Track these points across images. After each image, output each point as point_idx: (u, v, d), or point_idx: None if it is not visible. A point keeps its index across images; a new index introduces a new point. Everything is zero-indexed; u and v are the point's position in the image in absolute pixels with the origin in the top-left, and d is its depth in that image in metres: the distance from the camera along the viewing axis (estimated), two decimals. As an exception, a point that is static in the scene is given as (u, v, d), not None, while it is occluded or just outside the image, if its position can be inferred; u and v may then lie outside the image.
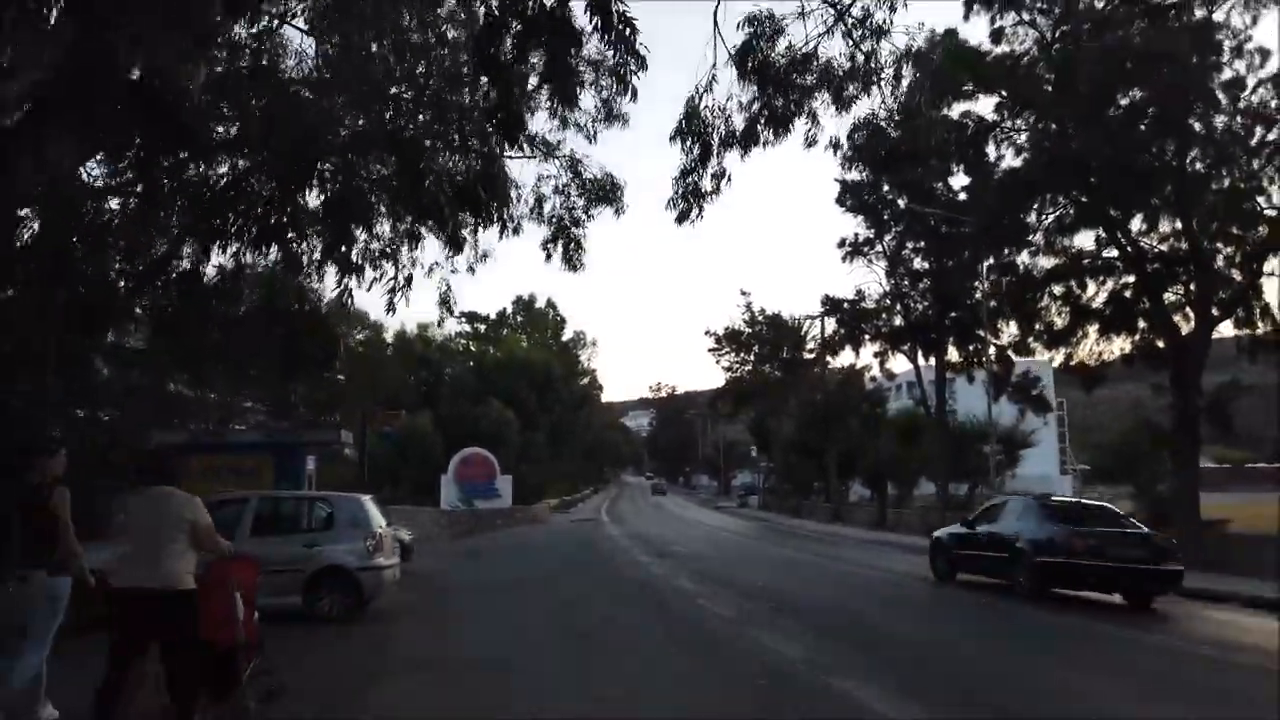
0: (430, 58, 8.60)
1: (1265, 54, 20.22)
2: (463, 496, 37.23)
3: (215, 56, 7.79)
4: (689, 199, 10.24)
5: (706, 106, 10.12)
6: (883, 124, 11.69)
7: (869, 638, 9.65)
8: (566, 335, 73.27)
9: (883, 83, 10.31)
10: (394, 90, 8.83)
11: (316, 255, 10.21)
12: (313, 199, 9.25)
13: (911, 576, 16.78)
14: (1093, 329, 23.14)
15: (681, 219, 10.25)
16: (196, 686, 5.37)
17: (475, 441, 41.03)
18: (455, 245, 10.69)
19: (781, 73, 10.21)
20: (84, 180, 7.74)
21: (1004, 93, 21.25)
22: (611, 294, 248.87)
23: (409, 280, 11.41)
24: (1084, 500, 17.62)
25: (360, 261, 10.37)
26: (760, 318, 55.26)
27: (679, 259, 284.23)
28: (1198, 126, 20.13)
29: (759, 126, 10.43)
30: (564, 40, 6.64)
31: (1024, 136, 21.73)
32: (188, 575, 5.32)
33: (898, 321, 32.99)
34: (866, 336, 33.86)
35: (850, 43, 10.00)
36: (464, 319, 59.41)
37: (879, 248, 32.70)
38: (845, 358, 41.44)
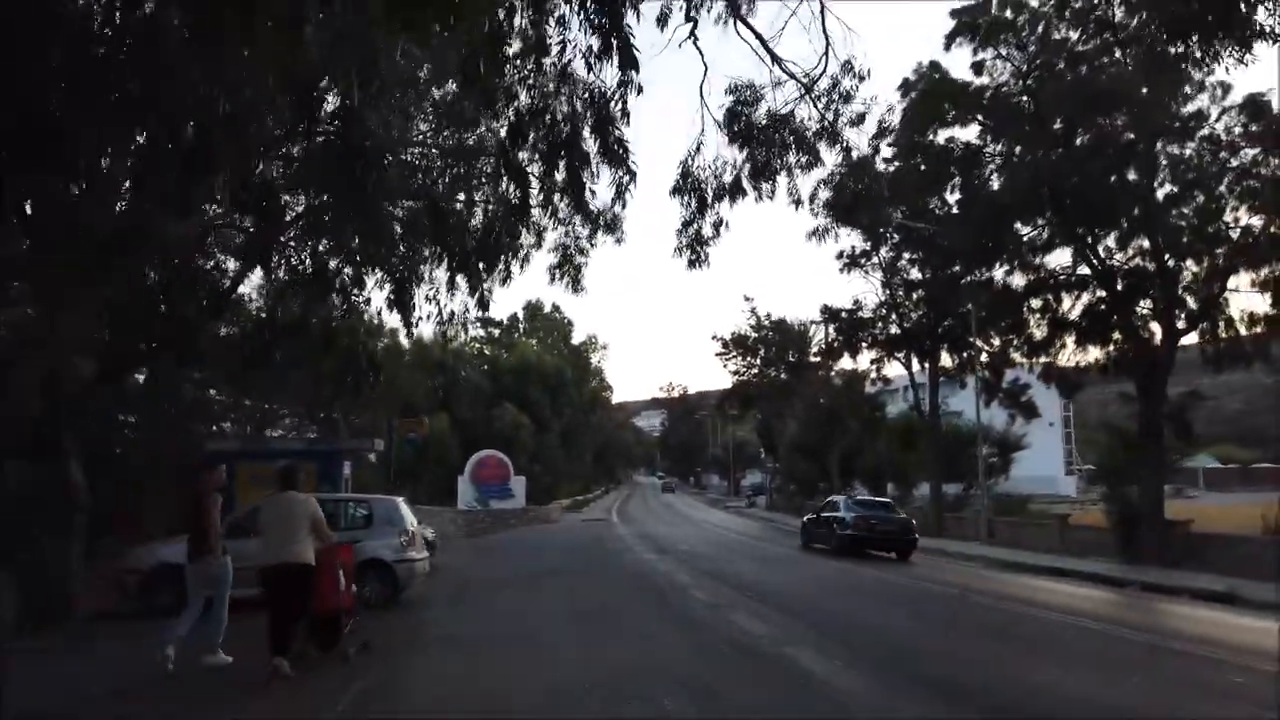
0: (467, 156, 10.08)
1: (1227, 88, 21.73)
2: (478, 497, 39.00)
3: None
4: (693, 247, 11.88)
5: (698, 165, 11.77)
6: (844, 176, 13.21)
7: (810, 611, 11.31)
8: (577, 339, 75.00)
9: (845, 142, 11.94)
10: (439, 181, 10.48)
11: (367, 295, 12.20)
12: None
13: (878, 575, 18.35)
14: (1070, 339, 24.67)
15: (692, 265, 11.93)
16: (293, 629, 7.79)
17: (490, 444, 42.86)
18: (483, 305, 12.60)
19: (761, 133, 11.88)
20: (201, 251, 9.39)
21: (981, 120, 22.76)
22: (623, 295, 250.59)
23: (451, 316, 13.27)
24: (874, 498, 27.99)
25: (413, 305, 12.25)
26: (766, 323, 56.88)
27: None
28: (1163, 156, 21.72)
29: (744, 180, 12.09)
30: (578, 157, 8.36)
31: (1001, 161, 23.26)
32: (309, 553, 7.54)
33: (894, 330, 34.48)
34: (864, 345, 35.37)
35: (819, 110, 11.60)
36: (478, 323, 61.22)
37: (875, 259, 34.18)
38: (847, 362, 42.79)
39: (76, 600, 12.07)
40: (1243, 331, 21.92)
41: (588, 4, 7.44)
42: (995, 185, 23.85)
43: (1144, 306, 22.63)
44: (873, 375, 37.03)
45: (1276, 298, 20.83)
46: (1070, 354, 24.78)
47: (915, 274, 33.30)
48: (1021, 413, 32.78)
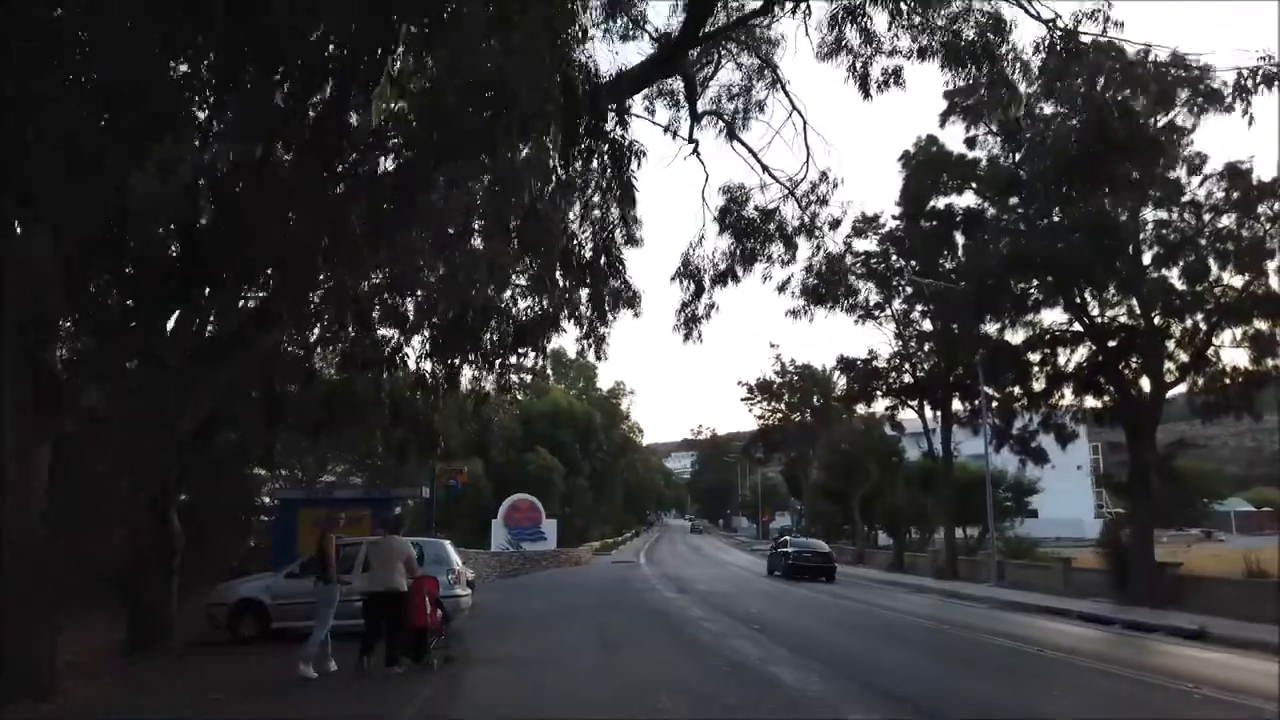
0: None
1: (1205, 158, 23.50)
2: (511, 539, 40.87)
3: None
4: (688, 325, 13.92)
5: (698, 255, 13.84)
6: (819, 266, 15.12)
7: (809, 644, 13.04)
8: (606, 384, 77.07)
9: (820, 236, 13.94)
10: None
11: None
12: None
13: (867, 606, 19.94)
14: (1069, 391, 26.27)
15: (685, 339, 13.99)
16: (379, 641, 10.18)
17: (522, 488, 44.86)
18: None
19: (749, 226, 13.93)
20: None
21: (975, 189, 24.69)
22: (655, 338, 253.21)
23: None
24: (808, 539, 39.51)
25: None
26: (790, 368, 58.64)
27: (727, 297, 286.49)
28: (1149, 222, 23.51)
29: (735, 266, 14.13)
30: (599, 280, 10.60)
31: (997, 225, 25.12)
32: (403, 582, 9.85)
33: (906, 379, 36.14)
34: (878, 393, 37.04)
35: (800, 208, 13.64)
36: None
37: (888, 311, 35.98)
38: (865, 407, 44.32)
39: (173, 630, 14.10)
40: (1227, 383, 23.44)
41: (605, 158, 9.62)
42: (992, 247, 25.64)
43: (1134, 361, 24.18)
44: (887, 423, 38.48)
45: (1255, 353, 22.38)
46: (1068, 404, 26.40)
47: (926, 325, 34.99)
48: (1031, 458, 34.01)
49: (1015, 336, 27.00)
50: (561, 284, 10.60)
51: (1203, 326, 23.45)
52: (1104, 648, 14.77)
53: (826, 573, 32.28)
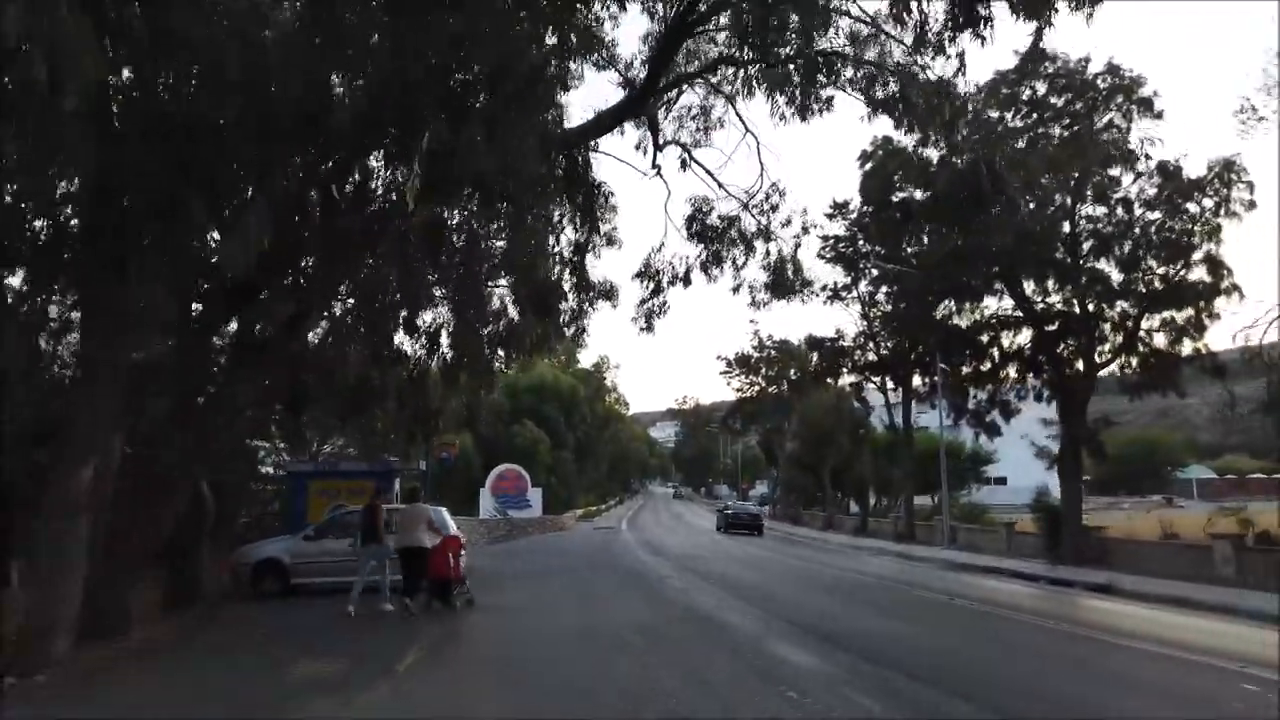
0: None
1: (1136, 158, 25.57)
2: (498, 507, 43.07)
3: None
4: (647, 318, 16.00)
5: (658, 259, 15.86)
6: (774, 264, 17.06)
7: (758, 596, 15.25)
8: (590, 360, 79.05)
9: (775, 239, 15.99)
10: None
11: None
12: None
13: (822, 565, 22.25)
14: (1013, 370, 28.57)
15: (642, 331, 16.06)
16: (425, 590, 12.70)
17: (509, 458, 47.02)
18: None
19: (713, 232, 15.95)
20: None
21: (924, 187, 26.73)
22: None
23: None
24: (744, 504, 53.89)
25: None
26: (768, 343, 60.74)
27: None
28: (1082, 218, 25.64)
29: (698, 267, 16.16)
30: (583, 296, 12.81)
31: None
32: (426, 539, 12.31)
33: (871, 357, 38.37)
34: (845, 370, 39.27)
35: (755, 217, 15.66)
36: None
37: (855, 293, 38.12)
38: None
39: (204, 587, 16.15)
40: (1152, 363, 25.72)
41: (577, 197, 11.64)
42: (940, 237, 27.75)
43: (1069, 344, 26.43)
44: (853, 399, 40.72)
45: (1171, 337, 24.70)
46: (1012, 382, 28.71)
47: (889, 306, 37.11)
48: (985, 431, 36.46)
49: (965, 320, 29.25)
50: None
51: (1132, 312, 25.71)
52: (1016, 599, 17.08)
53: (755, 528, 42.22)
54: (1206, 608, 15.25)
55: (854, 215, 35.78)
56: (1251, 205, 24.54)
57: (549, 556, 26.96)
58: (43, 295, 9.08)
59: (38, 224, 7.53)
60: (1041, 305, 26.62)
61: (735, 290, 15.94)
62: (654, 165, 13.82)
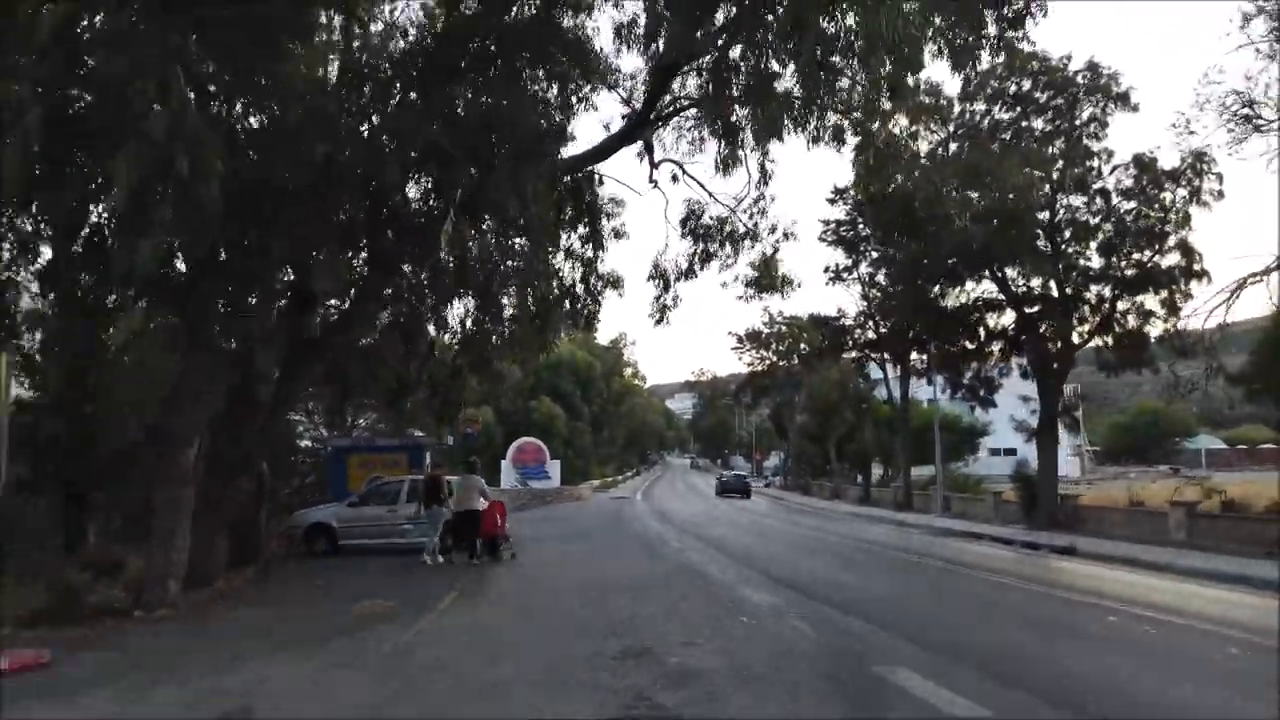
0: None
1: (1112, 153, 27.24)
2: (519, 478, 45.51)
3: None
4: (660, 312, 18.11)
5: (664, 259, 17.90)
6: (761, 261, 18.98)
7: (745, 556, 17.43)
8: (608, 335, 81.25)
9: (762, 240, 17.95)
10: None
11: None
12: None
13: (815, 531, 24.41)
14: (998, 349, 30.46)
15: (657, 324, 18.20)
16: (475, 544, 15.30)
17: (528, 432, 49.42)
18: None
19: (706, 232, 17.96)
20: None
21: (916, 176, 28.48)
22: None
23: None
24: (738, 471, 68.70)
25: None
26: (779, 319, 62.64)
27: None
28: (1061, 208, 27.37)
29: (696, 265, 18.19)
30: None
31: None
32: (479, 503, 14.80)
33: (870, 335, 40.28)
34: (847, 347, 41.21)
35: (743, 222, 17.64)
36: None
37: (856, 274, 39.96)
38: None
39: (262, 548, 18.52)
40: (1125, 344, 27.54)
41: (580, 225, 13.74)
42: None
43: (1048, 325, 28.27)
44: (855, 374, 42.65)
45: (1140, 320, 26.52)
46: (996, 359, 30.64)
47: (888, 287, 38.92)
48: (980, 404, 38.43)
49: (952, 302, 31.10)
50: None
51: (1108, 295, 27.50)
52: (979, 559, 19.15)
53: (744, 492, 51.63)
54: (1145, 565, 17.29)
55: (853, 200, 37.55)
56: (1220, 195, 26.23)
57: (564, 523, 29.29)
58: (161, 317, 11.29)
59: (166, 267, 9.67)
60: (1024, 289, 28.46)
61: (723, 285, 17.90)
62: (650, 181, 15.82)
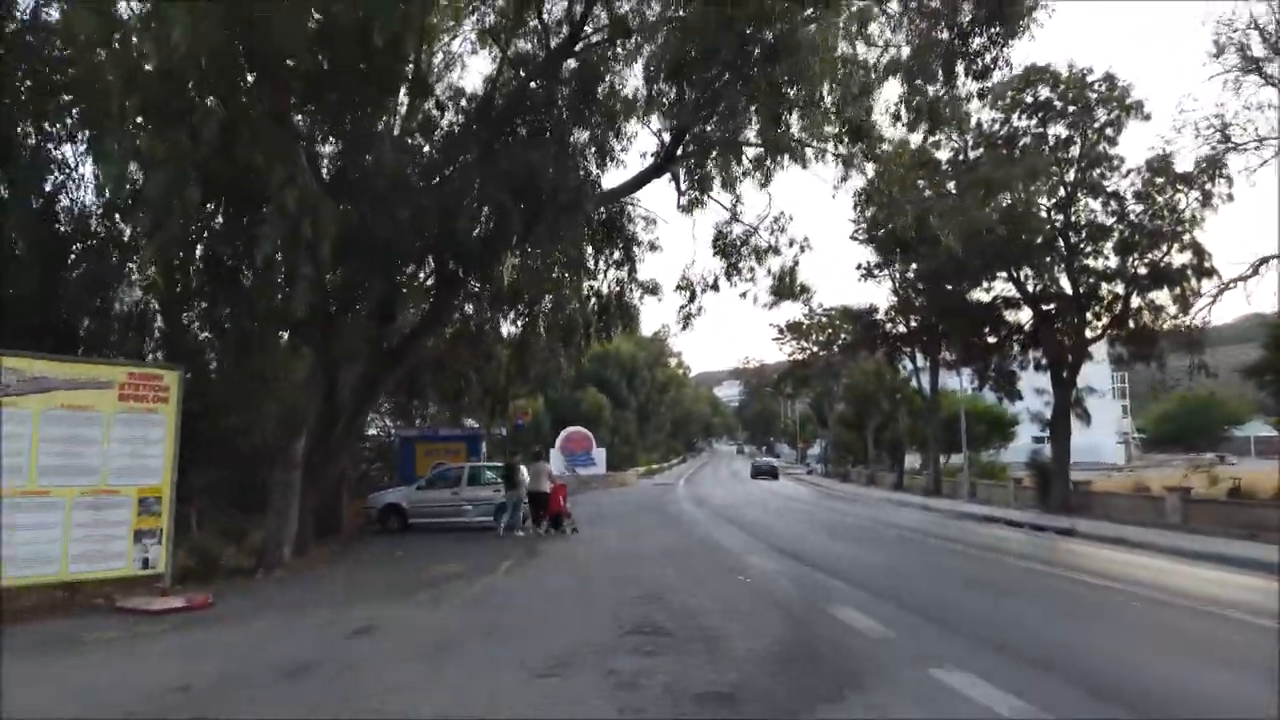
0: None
1: (1122, 160, 28.77)
2: (567, 464, 48.28)
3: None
4: (685, 319, 20.47)
5: (691, 272, 20.22)
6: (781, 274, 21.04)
7: (765, 533, 19.72)
8: (651, 328, 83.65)
9: (782, 253, 20.12)
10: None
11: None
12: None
13: (839, 513, 26.57)
14: (1016, 344, 32.20)
15: (683, 329, 20.57)
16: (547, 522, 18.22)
17: (576, 421, 52.20)
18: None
19: (731, 247, 20.22)
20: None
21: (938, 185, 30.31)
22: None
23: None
24: (768, 457, 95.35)
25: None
26: (818, 310, 64.40)
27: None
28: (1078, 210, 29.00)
29: (722, 279, 20.45)
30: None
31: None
32: (547, 485, 17.81)
33: (901, 329, 42.06)
34: (879, 340, 43.05)
35: (765, 239, 19.82)
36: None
37: (887, 271, 41.72)
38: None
39: (343, 524, 21.33)
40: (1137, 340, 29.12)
41: (614, 250, 16.21)
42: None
43: (1061, 322, 29.95)
44: (886, 367, 44.46)
45: (1154, 316, 28.08)
46: (1017, 354, 32.38)
47: (914, 284, 40.65)
48: (1007, 395, 40.01)
49: (977, 299, 32.85)
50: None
51: (1121, 294, 29.10)
52: (982, 538, 21.18)
53: (772, 474, 63.24)
54: (1129, 544, 19.16)
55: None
56: (1230, 198, 27.63)
57: (608, 506, 31.85)
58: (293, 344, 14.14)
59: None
60: (1040, 288, 30.15)
61: (742, 296, 20.12)
62: (679, 206, 18.14)
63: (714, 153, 15.12)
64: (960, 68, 13.79)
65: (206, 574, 13.23)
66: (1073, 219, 29.30)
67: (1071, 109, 29.14)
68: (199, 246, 11.00)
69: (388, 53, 11.68)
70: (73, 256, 13.08)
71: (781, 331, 67.03)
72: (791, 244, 20.15)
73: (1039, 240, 28.26)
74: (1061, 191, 29.41)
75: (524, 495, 19.03)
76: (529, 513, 19.32)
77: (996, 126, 30.09)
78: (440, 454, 25.20)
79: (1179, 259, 28.18)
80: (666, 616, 8.87)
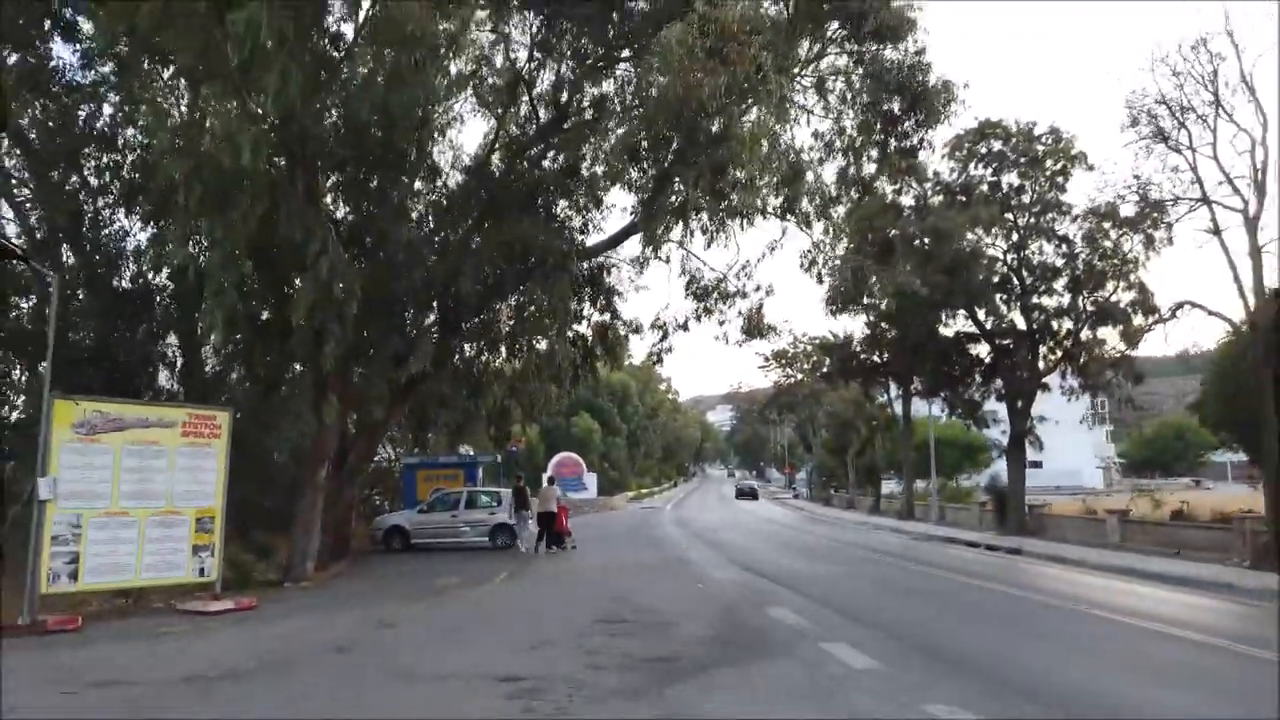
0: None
1: (1071, 206, 31.22)
2: (561, 492, 50.37)
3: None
4: (658, 356, 22.66)
5: (665, 315, 22.44)
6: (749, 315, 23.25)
7: (734, 552, 21.79)
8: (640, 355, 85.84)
9: (749, 296, 22.35)
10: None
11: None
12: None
13: (810, 535, 28.67)
14: (978, 375, 34.47)
15: (656, 364, 22.69)
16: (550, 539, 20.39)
17: (568, 446, 54.32)
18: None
19: (705, 292, 22.47)
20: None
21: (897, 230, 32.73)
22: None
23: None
24: (749, 479, 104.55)
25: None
26: (802, 339, 66.80)
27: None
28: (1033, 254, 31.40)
29: (694, 320, 22.68)
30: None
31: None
32: (554, 507, 20.05)
33: (875, 359, 44.32)
34: (853, 371, 45.28)
35: (735, 283, 22.04)
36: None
37: (861, 303, 44.03)
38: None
39: (350, 545, 23.34)
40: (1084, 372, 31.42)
41: (598, 299, 18.59)
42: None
43: (1015, 357, 32.26)
44: (863, 395, 46.69)
45: (1098, 351, 30.42)
46: (979, 385, 34.65)
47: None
48: (975, 423, 42.24)
49: (946, 332, 35.16)
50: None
51: (1071, 330, 31.44)
52: (931, 555, 23.28)
53: (752, 495, 70.16)
54: (1066, 561, 21.28)
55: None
56: (1170, 242, 30.05)
57: (596, 528, 33.88)
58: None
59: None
60: (995, 324, 32.50)
61: (716, 338, 22.33)
62: (656, 254, 20.41)
63: (668, 219, 17.20)
64: (892, 147, 16.13)
65: (241, 584, 15.29)
66: (1027, 259, 31.67)
67: (1023, 160, 31.66)
68: (239, 305, 13.17)
69: (402, 138, 14.04)
70: (132, 315, 15.32)
71: (767, 359, 69.52)
72: (758, 289, 22.41)
73: (995, 280, 30.56)
74: (1014, 235, 31.84)
75: (530, 516, 21.32)
76: (536, 532, 21.47)
77: (955, 175, 32.58)
78: (440, 480, 27.25)
79: (1126, 296, 30.54)
80: (630, 612, 11.00)
